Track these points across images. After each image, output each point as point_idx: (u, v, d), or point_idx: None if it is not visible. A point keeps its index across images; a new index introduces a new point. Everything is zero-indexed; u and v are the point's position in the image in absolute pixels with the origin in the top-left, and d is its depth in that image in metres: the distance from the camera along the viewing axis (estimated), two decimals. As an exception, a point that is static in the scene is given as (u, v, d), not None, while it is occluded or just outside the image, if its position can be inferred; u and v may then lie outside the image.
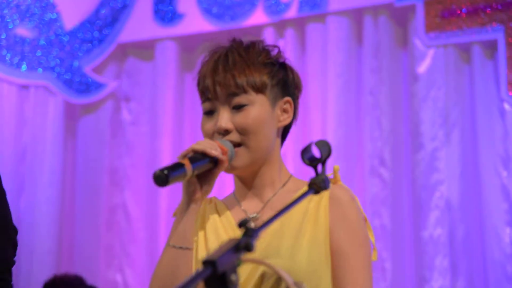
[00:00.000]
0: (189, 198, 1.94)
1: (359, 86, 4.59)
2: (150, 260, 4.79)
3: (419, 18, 4.45)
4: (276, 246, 1.91)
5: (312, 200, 1.97)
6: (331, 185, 1.96)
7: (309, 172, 1.66)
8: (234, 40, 2.07)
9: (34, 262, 4.82)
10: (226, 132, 1.97)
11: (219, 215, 2.04)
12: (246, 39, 2.09)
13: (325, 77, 4.58)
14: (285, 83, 2.05)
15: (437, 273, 4.18)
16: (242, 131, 1.97)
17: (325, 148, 1.71)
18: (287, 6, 4.73)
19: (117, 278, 4.98)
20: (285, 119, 2.05)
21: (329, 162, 1.72)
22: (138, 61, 5.21)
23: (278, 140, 2.06)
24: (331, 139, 4.33)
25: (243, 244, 1.37)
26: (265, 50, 2.05)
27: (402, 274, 4.34)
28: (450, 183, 4.27)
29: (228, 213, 2.03)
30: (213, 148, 1.90)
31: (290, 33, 4.72)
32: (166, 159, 4.92)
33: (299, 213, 1.96)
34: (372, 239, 2.01)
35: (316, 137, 1.63)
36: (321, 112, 4.58)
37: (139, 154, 5.12)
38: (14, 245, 2.37)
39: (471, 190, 4.26)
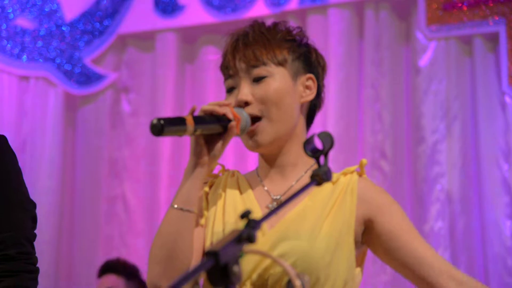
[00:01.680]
0: (196, 160, 1.92)
1: (360, 79, 4.58)
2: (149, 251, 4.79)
3: (420, 11, 4.44)
4: (296, 227, 1.90)
5: (337, 187, 1.97)
6: (357, 177, 1.97)
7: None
8: (255, 21, 2.07)
9: (33, 253, 4.81)
10: (246, 104, 1.95)
11: (240, 191, 2.02)
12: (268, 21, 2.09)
13: (326, 70, 4.57)
14: (307, 59, 2.04)
15: (437, 266, 4.17)
16: (262, 103, 1.95)
17: (328, 139, 1.71)
18: (288, -3, 4.73)
19: (117, 269, 4.97)
20: (308, 95, 2.03)
21: (330, 155, 1.71)
22: (138, 52, 5.20)
23: (303, 118, 2.05)
24: (332, 132, 4.32)
25: (246, 236, 1.36)
26: (287, 29, 2.05)
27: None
28: (451, 176, 4.27)
29: (250, 191, 2.01)
30: (223, 109, 1.89)
31: (291, 24, 4.71)
32: (166, 151, 4.92)
33: (325, 196, 1.95)
34: None
35: (316, 130, 1.63)
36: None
37: (138, 145, 5.11)
38: (34, 219, 2.42)
39: (472, 183, 4.26)
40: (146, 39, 5.16)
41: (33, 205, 2.41)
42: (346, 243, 1.91)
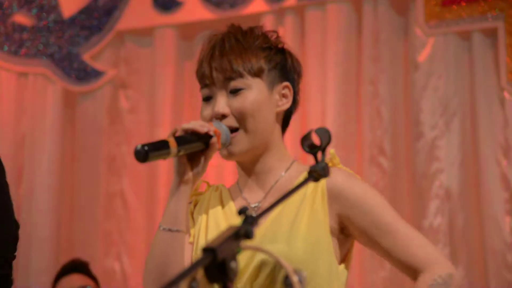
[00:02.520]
0: (180, 179, 1.93)
1: (359, 75, 4.57)
2: (148, 248, 4.78)
3: (419, 6, 4.44)
4: (273, 232, 1.91)
5: (309, 186, 1.96)
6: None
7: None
8: (232, 26, 2.07)
9: (33, 250, 4.81)
10: (223, 117, 1.96)
11: (223, 205, 2.03)
12: (244, 25, 2.08)
13: (325, 66, 4.57)
14: (283, 67, 2.04)
15: (437, 262, 4.17)
16: (239, 115, 1.96)
17: (325, 135, 1.71)
18: (287, -7, 4.72)
19: (115, 266, 4.97)
20: (284, 104, 2.04)
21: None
22: (136, 48, 5.19)
23: (278, 126, 2.05)
24: (330, 128, 4.31)
25: (243, 232, 1.37)
26: (263, 35, 2.05)
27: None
28: (450, 172, 4.27)
29: (231, 203, 2.03)
30: (204, 126, 1.89)
31: (289, 20, 4.70)
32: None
33: (297, 199, 1.95)
34: None
35: (315, 126, 1.64)
36: (320, 101, 4.56)
37: (137, 142, 5.06)
38: (15, 240, 2.37)
39: (471, 179, 4.25)
40: (144, 35, 5.15)
41: (17, 225, 2.37)
42: (324, 242, 1.91)
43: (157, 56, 5.07)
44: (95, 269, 4.67)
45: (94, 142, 5.17)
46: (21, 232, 5.03)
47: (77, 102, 5.26)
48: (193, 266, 1.27)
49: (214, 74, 1.98)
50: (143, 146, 1.79)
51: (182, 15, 5.04)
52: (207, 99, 2.01)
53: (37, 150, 5.08)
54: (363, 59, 4.55)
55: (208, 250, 1.30)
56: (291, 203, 1.94)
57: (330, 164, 2.00)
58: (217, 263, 1.30)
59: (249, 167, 2.04)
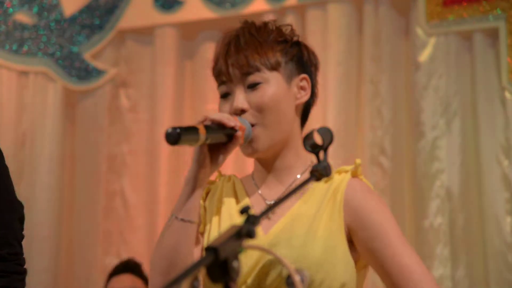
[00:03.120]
0: (198, 168, 1.91)
1: (360, 75, 4.57)
2: (148, 247, 4.78)
3: (420, 6, 4.44)
4: (289, 234, 1.89)
5: (331, 186, 1.95)
6: (350, 178, 1.95)
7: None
8: (245, 22, 2.06)
9: (33, 248, 4.81)
10: (242, 112, 1.95)
11: (236, 198, 2.02)
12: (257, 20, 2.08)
13: (325, 65, 4.57)
14: (300, 60, 2.03)
15: (437, 262, 4.17)
16: (258, 110, 1.94)
17: (327, 135, 1.72)
18: (288, -7, 4.72)
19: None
20: (302, 96, 2.03)
21: (330, 150, 1.71)
22: (137, 47, 5.19)
23: (298, 119, 2.04)
24: (331, 128, 4.31)
25: (245, 231, 1.36)
26: (277, 29, 2.04)
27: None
28: (451, 172, 4.26)
29: (246, 199, 2.01)
30: (231, 120, 1.88)
31: (290, 20, 4.70)
32: (165, 147, 4.91)
33: (317, 200, 1.94)
34: None
35: (316, 126, 1.63)
36: (321, 101, 4.54)
37: (137, 141, 5.11)
38: (21, 219, 2.39)
39: (472, 179, 4.25)
40: (145, 34, 5.15)
41: (21, 205, 2.39)
42: (340, 244, 1.90)
43: (157, 55, 5.07)
44: (95, 268, 4.67)
45: (94, 141, 5.17)
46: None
47: (78, 101, 5.26)
48: (195, 265, 1.27)
49: (231, 70, 1.97)
50: (174, 128, 1.76)
51: (183, 14, 5.04)
52: (225, 95, 2.00)
53: (38, 148, 5.07)
54: (364, 59, 4.55)
55: (210, 249, 1.29)
56: (312, 201, 1.93)
57: (353, 174, 1.98)
58: (219, 262, 1.30)
59: (269, 163, 2.01)
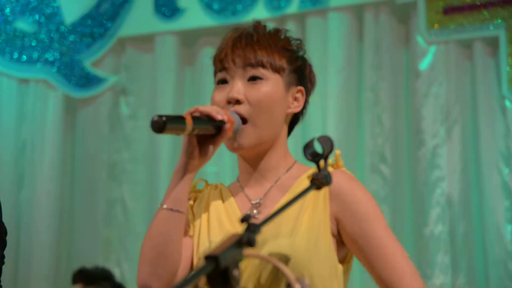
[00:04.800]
0: (187, 159, 1.92)
1: (360, 82, 4.57)
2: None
3: (420, 15, 4.44)
4: (275, 229, 1.90)
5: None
6: (332, 169, 1.96)
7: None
8: (258, 22, 2.07)
9: (33, 256, 4.81)
10: (237, 102, 1.95)
11: (223, 200, 2.03)
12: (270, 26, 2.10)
13: (326, 73, 4.57)
14: (302, 72, 2.05)
15: (438, 270, 4.17)
16: (253, 104, 1.95)
17: (328, 143, 1.71)
18: (288, 1, 4.72)
19: (115, 272, 4.97)
20: (296, 107, 2.04)
21: (330, 158, 1.71)
22: (137, 55, 5.20)
23: (285, 128, 2.05)
24: (331, 136, 4.32)
25: (246, 240, 1.36)
26: (287, 38, 2.06)
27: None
28: (451, 180, 4.26)
29: (232, 199, 2.03)
30: (220, 113, 1.89)
31: (290, 27, 4.70)
32: (165, 154, 4.91)
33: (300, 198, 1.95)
34: None
35: (316, 133, 1.64)
36: (321, 108, 4.56)
37: (137, 148, 5.11)
38: (3, 245, 2.35)
39: (472, 187, 4.25)
40: (145, 42, 5.16)
41: (5, 231, 2.36)
42: (324, 240, 1.91)
43: (158, 63, 5.08)
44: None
45: (94, 149, 5.17)
46: (21, 238, 5.05)
47: (78, 108, 5.26)
48: (196, 274, 1.27)
49: (236, 59, 1.98)
50: (160, 116, 1.77)
51: (183, 22, 5.05)
52: (222, 82, 2.01)
53: (38, 156, 5.08)
54: (364, 66, 4.56)
55: (211, 258, 1.29)
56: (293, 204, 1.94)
57: (334, 166, 2.00)
58: (219, 271, 1.30)
59: (253, 163, 2.03)
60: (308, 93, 2.07)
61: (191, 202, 2.07)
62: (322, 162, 1.69)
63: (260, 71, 1.97)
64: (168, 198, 1.94)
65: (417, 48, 4.45)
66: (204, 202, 2.05)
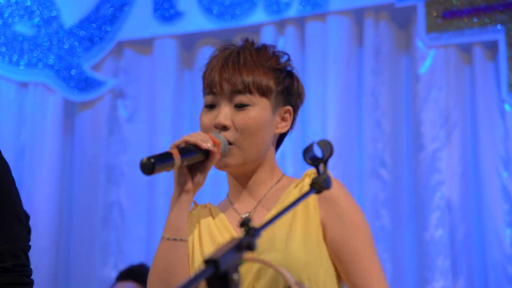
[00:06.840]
0: (181, 189, 1.95)
1: (360, 87, 4.57)
2: (146, 258, 4.77)
3: (420, 19, 4.44)
4: (269, 240, 1.91)
5: (302, 190, 1.97)
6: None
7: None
8: (246, 40, 2.07)
9: (32, 259, 4.79)
10: (224, 128, 1.97)
11: (213, 218, 2.05)
12: (258, 41, 2.10)
13: (325, 77, 4.57)
14: (289, 91, 2.06)
15: (438, 274, 4.17)
16: (239, 130, 1.97)
17: (327, 147, 1.71)
18: (288, 5, 4.71)
19: (113, 276, 4.95)
20: (283, 127, 2.05)
21: (329, 163, 1.71)
22: (136, 58, 5.19)
23: (273, 147, 2.07)
24: (331, 140, 4.31)
25: (245, 243, 1.36)
26: (275, 56, 2.06)
27: (402, 276, 4.33)
28: (451, 184, 4.27)
29: (222, 215, 2.05)
30: (205, 140, 1.91)
31: (290, 31, 4.71)
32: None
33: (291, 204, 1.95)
34: None
35: (316, 138, 1.63)
36: (321, 113, 4.56)
37: (135, 151, 5.10)
38: (29, 230, 2.43)
39: (472, 191, 4.26)
40: (144, 45, 5.16)
41: (27, 216, 2.41)
42: (319, 246, 1.93)
43: (157, 66, 5.07)
44: (92, 278, 4.66)
45: (93, 152, 5.17)
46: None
47: (77, 111, 5.26)
48: (196, 278, 1.26)
49: (224, 84, 1.99)
50: (149, 158, 1.80)
51: (182, 26, 5.04)
52: (210, 106, 2.02)
53: (37, 159, 5.08)
54: (364, 71, 4.56)
55: (211, 262, 1.29)
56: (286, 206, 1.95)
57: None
58: (219, 275, 1.29)
59: (241, 179, 2.05)
60: (296, 110, 2.08)
61: None
62: (321, 166, 1.69)
63: (247, 97, 1.98)
64: (168, 228, 1.96)
65: (416, 52, 4.45)
66: (195, 221, 2.07)
